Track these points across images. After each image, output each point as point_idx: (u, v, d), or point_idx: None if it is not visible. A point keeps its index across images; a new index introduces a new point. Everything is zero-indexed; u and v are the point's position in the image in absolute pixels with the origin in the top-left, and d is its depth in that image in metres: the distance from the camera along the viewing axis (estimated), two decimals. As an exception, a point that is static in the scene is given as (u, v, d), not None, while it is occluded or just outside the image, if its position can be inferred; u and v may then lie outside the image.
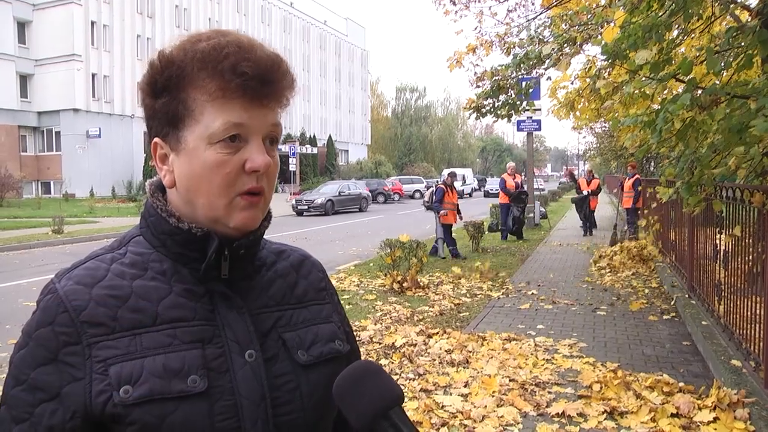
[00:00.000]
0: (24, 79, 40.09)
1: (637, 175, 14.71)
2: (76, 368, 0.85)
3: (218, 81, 0.88)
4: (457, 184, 49.98)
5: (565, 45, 8.36)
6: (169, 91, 0.90)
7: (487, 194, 48.65)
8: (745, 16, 5.09)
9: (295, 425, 0.95)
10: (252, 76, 0.88)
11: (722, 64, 4.18)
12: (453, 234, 12.94)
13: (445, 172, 13.50)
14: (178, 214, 0.94)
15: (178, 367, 0.88)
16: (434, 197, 12.88)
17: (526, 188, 17.08)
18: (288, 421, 0.94)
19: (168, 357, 0.88)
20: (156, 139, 0.94)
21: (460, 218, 13.08)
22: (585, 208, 17.31)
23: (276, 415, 0.92)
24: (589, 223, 17.25)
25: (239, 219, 0.92)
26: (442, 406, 4.41)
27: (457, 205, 12.97)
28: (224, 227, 0.93)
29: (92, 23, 40.18)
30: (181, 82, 0.89)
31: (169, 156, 0.93)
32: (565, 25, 8.79)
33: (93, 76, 40.42)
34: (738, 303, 5.27)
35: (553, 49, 8.04)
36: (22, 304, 8.44)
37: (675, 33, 5.03)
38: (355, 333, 1.23)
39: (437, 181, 45.59)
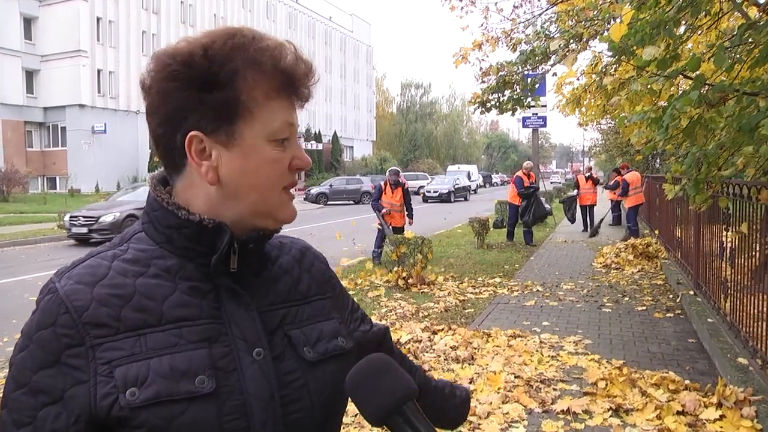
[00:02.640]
0: (30, 75, 40.23)
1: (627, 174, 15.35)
2: (80, 370, 0.84)
3: (279, 79, 0.92)
4: (462, 180, 49.73)
5: (572, 41, 8.34)
6: (228, 85, 0.89)
7: (425, 198, 37.90)
8: (753, 12, 5.05)
9: (304, 424, 0.94)
10: (304, 78, 0.95)
11: (731, 61, 4.15)
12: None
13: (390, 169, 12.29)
14: (187, 207, 0.93)
15: (185, 367, 0.86)
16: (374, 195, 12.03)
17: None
18: (297, 419, 0.93)
19: (174, 357, 0.86)
20: (195, 133, 0.90)
21: (409, 222, 11.69)
22: (573, 208, 17.28)
23: (285, 414, 0.91)
24: (590, 220, 17.15)
25: (288, 212, 0.98)
26: (447, 403, 4.39)
27: (401, 206, 11.63)
28: (271, 221, 0.96)
29: (98, 19, 40.28)
30: (240, 76, 0.89)
31: (212, 151, 0.91)
32: (572, 21, 8.76)
33: (98, 71, 40.54)
34: (744, 300, 5.25)
35: (560, 45, 8.02)
36: (27, 299, 8.46)
37: (682, 29, 5.01)
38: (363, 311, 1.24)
39: (458, 179, 42.16)
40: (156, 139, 0.94)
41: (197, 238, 0.93)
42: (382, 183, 11.84)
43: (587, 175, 17.64)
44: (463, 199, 39.93)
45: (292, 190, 0.99)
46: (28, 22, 39.96)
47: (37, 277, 10.49)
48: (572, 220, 17.51)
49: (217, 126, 0.90)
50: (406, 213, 11.68)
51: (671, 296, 8.16)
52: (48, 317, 0.85)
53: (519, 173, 14.92)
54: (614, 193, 16.74)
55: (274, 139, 0.92)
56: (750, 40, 4.26)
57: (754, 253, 5.18)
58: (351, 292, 8.48)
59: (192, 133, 0.90)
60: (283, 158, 0.93)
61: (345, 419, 3.06)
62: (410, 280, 8.90)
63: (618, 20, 4.54)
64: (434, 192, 38.48)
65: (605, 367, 5.07)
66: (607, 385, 4.58)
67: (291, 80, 0.93)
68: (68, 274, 0.89)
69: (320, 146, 52.30)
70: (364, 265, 11.24)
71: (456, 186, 39.81)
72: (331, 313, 1.08)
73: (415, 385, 0.85)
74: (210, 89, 0.88)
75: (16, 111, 39.07)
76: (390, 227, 11.31)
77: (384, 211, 11.46)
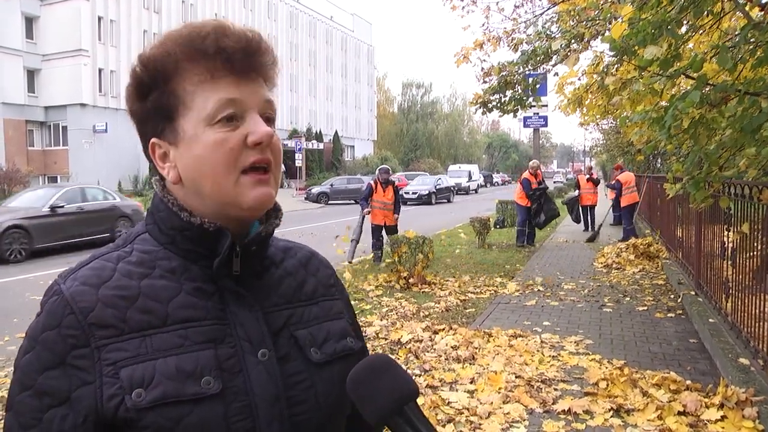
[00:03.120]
0: (31, 74, 40.22)
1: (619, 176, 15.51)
2: (86, 372, 0.83)
3: (204, 62, 0.89)
4: (462, 180, 49.47)
5: (573, 41, 8.33)
6: (157, 86, 0.91)
7: (404, 201, 28.06)
8: (755, 12, 5.04)
9: (310, 424, 0.94)
10: (235, 50, 0.89)
11: (734, 61, 4.14)
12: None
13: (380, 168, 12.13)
14: (190, 209, 0.93)
15: (191, 368, 0.86)
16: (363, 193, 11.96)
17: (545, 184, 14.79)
18: (303, 420, 0.93)
19: (180, 358, 0.86)
20: (153, 140, 0.93)
21: (395, 218, 11.58)
22: (576, 209, 17.09)
23: (291, 415, 0.91)
24: (592, 220, 17.10)
25: (252, 197, 0.90)
26: (448, 403, 4.40)
27: (393, 204, 11.51)
28: (237, 210, 0.91)
29: (99, 18, 40.28)
30: (167, 73, 0.90)
31: (169, 152, 0.93)
32: (573, 20, 8.75)
33: (100, 71, 40.53)
34: (746, 300, 5.24)
35: (561, 44, 8.01)
36: (29, 297, 8.47)
37: (684, 29, 5.00)
38: (361, 328, 1.23)
39: (440, 179, 41.12)
40: (145, 156, 0.98)
41: (199, 241, 0.93)
42: (372, 182, 11.72)
43: (587, 175, 17.59)
44: (446, 200, 37.03)
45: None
46: (29, 22, 39.95)
47: (38, 276, 10.50)
48: (577, 220, 17.44)
49: (162, 127, 0.92)
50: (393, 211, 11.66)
51: (672, 296, 8.15)
52: (53, 319, 0.85)
53: (525, 174, 14.25)
54: (615, 193, 16.72)
55: (215, 121, 0.88)
56: (752, 39, 4.25)
57: (755, 252, 5.18)
58: (352, 292, 8.49)
59: (152, 140, 0.94)
60: (230, 138, 0.88)
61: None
62: (411, 280, 8.90)
63: (619, 20, 4.53)
64: (413, 193, 34.12)
65: (606, 367, 5.06)
66: (608, 385, 4.58)
67: (219, 58, 0.88)
68: (73, 275, 0.89)
69: (321, 146, 52.29)
70: (364, 265, 11.26)
71: (438, 186, 36.30)
72: (341, 313, 1.08)
73: (416, 386, 0.85)
74: (147, 95, 0.92)
75: (17, 110, 39.06)
76: (361, 227, 11.51)
77: (366, 210, 11.50)
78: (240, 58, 0.89)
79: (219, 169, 0.89)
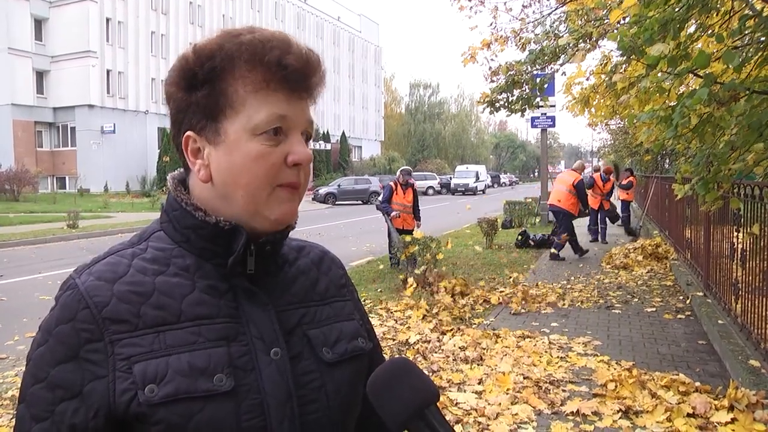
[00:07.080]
0: (40, 76, 40.52)
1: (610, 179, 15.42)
2: (99, 366, 0.84)
3: (263, 72, 0.89)
4: (470, 181, 49.36)
5: (581, 40, 8.30)
6: (210, 82, 0.90)
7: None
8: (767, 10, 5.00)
9: (321, 424, 0.94)
10: (295, 69, 0.90)
11: (740, 59, 4.11)
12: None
13: (401, 169, 11.22)
14: (204, 208, 0.93)
15: (204, 365, 0.86)
16: (382, 196, 11.03)
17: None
18: (314, 419, 0.93)
19: (193, 355, 0.86)
20: (189, 133, 0.92)
21: (418, 225, 10.87)
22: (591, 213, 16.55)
23: (302, 414, 0.91)
24: (604, 225, 16.90)
25: (281, 211, 0.92)
26: (456, 403, 4.39)
27: (413, 207, 10.87)
28: (263, 220, 0.92)
29: (107, 20, 40.52)
30: (223, 73, 0.89)
31: (204, 150, 0.92)
32: (581, 20, 8.72)
33: (108, 72, 40.78)
34: (756, 302, 5.21)
35: (569, 43, 7.98)
36: (38, 298, 8.50)
37: (692, 28, 4.97)
38: (372, 325, 1.22)
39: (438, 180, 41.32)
40: (173, 142, 0.97)
41: (214, 240, 0.93)
42: (392, 183, 10.97)
43: (605, 178, 17.37)
44: None
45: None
46: (38, 23, 40.23)
47: (47, 276, 10.55)
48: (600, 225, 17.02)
49: (204, 124, 0.91)
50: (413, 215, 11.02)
51: (681, 297, 8.11)
52: (68, 312, 0.86)
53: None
54: (626, 193, 16.58)
55: (261, 132, 0.89)
56: (759, 36, 4.22)
57: (765, 254, 5.14)
58: (360, 292, 8.48)
59: (187, 133, 0.93)
60: (272, 153, 0.89)
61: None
62: (421, 281, 8.87)
63: (625, 19, 4.51)
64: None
65: (615, 369, 5.04)
66: (616, 386, 4.56)
67: (279, 73, 0.89)
68: (88, 270, 0.90)
69: (328, 146, 52.33)
70: (372, 266, 11.25)
71: None
72: (353, 314, 1.08)
73: (436, 389, 0.85)
74: (194, 88, 0.90)
75: (26, 111, 39.34)
76: (396, 230, 10.66)
77: (394, 214, 10.69)
78: (296, 78, 0.90)
79: (256, 181, 0.89)
